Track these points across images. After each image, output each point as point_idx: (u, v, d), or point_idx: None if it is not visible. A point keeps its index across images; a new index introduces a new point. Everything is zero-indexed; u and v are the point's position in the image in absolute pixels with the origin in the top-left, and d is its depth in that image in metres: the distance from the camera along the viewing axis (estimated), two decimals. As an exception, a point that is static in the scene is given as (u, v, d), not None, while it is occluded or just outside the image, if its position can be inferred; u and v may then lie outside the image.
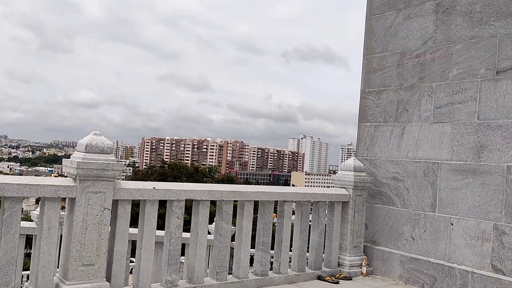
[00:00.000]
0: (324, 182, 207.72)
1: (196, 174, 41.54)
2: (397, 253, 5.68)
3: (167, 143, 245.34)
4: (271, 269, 5.27)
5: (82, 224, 3.85)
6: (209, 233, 7.97)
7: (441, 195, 5.38)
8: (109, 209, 3.98)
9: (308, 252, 5.58)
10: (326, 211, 5.73)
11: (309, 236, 5.58)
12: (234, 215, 4.96)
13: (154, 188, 4.28)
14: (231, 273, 4.96)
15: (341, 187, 5.92)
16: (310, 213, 5.59)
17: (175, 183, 4.58)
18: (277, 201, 5.22)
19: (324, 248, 5.68)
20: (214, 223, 4.87)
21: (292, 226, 5.40)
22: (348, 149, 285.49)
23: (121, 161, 4.06)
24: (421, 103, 5.77)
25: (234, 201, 4.85)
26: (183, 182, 38.31)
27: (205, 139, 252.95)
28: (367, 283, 5.44)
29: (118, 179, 4.22)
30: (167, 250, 4.42)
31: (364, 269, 5.70)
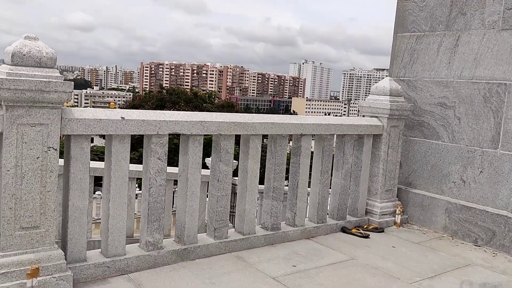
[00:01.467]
0: (325, 108, 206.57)
1: (195, 100, 40.14)
2: (442, 199, 4.54)
3: (166, 68, 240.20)
4: (284, 221, 4.17)
5: (15, 171, 2.63)
6: (207, 167, 6.79)
7: (508, 127, 4.12)
8: (55, 149, 2.74)
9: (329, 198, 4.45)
10: (353, 147, 4.50)
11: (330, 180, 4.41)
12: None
13: (122, 118, 3.00)
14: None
15: (371, 116, 4.64)
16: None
17: (154, 111, 3.30)
18: (291, 135, 3.98)
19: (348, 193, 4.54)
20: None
21: (311, 166, 4.21)
22: (350, 74, 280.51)
23: (68, 81, 2.73)
24: (485, 3, 4.29)
25: (236, 135, 3.61)
26: (182, 107, 37.04)
27: (205, 64, 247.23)
28: (403, 237, 4.37)
29: (70, 106, 2.94)
30: (146, 203, 3.25)
31: (398, 218, 4.61)
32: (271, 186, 3.91)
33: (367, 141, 4.52)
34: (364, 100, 4.70)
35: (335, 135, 4.29)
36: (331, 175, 4.37)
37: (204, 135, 3.43)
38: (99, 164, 5.70)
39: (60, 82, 2.66)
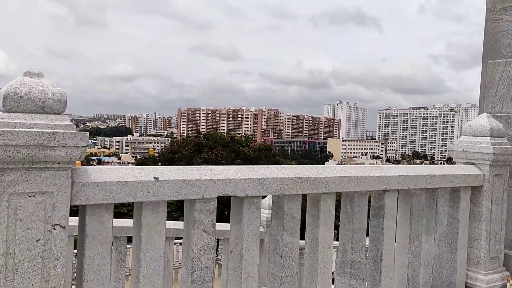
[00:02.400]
0: (362, 149, 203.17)
1: (232, 144, 39.75)
2: None
3: (202, 113, 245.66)
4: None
5: (5, 262, 1.85)
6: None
7: None
8: (63, 226, 1.96)
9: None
10: (447, 203, 3.51)
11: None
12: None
13: (156, 179, 2.21)
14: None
15: (466, 163, 3.67)
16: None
17: (197, 167, 2.50)
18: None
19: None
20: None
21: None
22: (386, 113, 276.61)
23: (82, 131, 1.98)
24: None
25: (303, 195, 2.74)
26: (219, 151, 36.64)
27: (240, 108, 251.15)
28: (528, 326, 3.26)
29: (85, 162, 2.18)
30: (186, 292, 2.39)
31: (513, 297, 3.51)
32: (348, 260, 2.97)
33: (464, 195, 3.53)
34: (455, 142, 3.75)
35: (425, 189, 3.34)
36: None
37: (263, 196, 2.59)
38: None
39: (69, 133, 1.92)
